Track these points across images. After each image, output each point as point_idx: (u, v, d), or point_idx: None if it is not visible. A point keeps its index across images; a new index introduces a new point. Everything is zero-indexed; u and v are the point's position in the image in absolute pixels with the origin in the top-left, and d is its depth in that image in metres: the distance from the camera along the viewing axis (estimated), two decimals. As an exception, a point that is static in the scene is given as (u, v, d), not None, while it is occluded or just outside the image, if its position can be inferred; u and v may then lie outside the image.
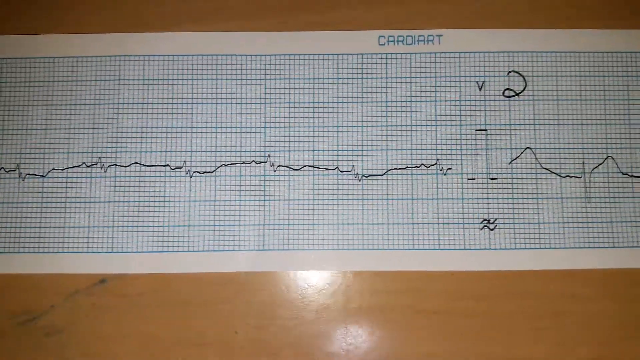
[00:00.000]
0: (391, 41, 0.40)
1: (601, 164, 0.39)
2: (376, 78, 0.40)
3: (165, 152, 0.39)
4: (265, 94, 0.40)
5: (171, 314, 0.38)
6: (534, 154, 0.39)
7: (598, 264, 0.38)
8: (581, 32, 0.40)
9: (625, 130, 0.39)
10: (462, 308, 0.38)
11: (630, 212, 0.39)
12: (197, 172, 0.39)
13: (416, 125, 0.40)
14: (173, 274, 0.38)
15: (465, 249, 0.38)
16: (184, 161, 0.39)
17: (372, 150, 0.39)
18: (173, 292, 0.38)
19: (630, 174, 0.39)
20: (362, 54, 0.40)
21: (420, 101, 0.40)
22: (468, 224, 0.39)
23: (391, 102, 0.40)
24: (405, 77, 0.40)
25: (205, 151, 0.39)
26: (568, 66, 0.40)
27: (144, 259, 0.38)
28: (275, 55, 0.40)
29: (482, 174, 0.39)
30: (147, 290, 0.38)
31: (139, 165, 0.39)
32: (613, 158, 0.39)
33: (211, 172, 0.39)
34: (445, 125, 0.40)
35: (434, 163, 0.39)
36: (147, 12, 0.41)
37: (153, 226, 0.39)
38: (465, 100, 0.40)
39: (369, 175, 0.39)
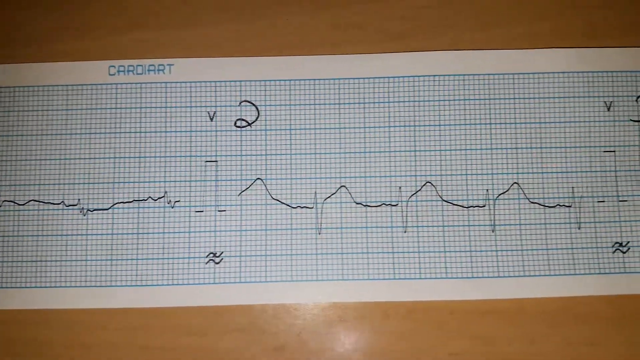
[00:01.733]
0: (121, 71, 0.39)
1: (334, 193, 0.39)
2: (106, 109, 0.39)
3: None
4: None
5: None
6: (265, 185, 0.39)
7: (328, 297, 0.38)
8: (311, 59, 0.39)
9: (361, 158, 0.39)
10: (188, 344, 0.37)
11: (361, 242, 0.38)
12: None
13: (145, 157, 0.39)
14: None
15: (189, 284, 0.38)
16: None
17: (98, 183, 0.38)
18: None
19: (364, 204, 0.39)
20: (92, 84, 0.39)
21: (150, 132, 0.39)
22: (194, 258, 0.38)
23: (120, 133, 0.39)
24: (136, 108, 0.39)
25: None
26: (301, 94, 0.39)
27: None
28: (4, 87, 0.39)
29: (211, 206, 0.38)
30: None
31: None
32: (347, 187, 0.39)
33: None
34: (175, 156, 0.39)
35: (162, 196, 0.38)
36: None
37: None
38: (197, 131, 0.39)
39: (94, 210, 0.38)
